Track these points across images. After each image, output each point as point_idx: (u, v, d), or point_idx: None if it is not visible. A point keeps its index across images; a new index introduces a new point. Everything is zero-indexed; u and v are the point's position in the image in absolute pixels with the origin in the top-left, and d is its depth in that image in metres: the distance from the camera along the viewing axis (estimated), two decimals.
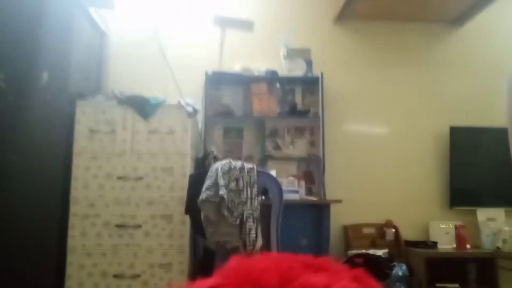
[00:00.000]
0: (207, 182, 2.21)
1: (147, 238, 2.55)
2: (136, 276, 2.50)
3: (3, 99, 2.63)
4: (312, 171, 3.37)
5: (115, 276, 2.50)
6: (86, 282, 2.49)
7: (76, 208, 2.55)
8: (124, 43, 3.39)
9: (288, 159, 3.36)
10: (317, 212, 3.05)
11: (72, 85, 2.73)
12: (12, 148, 2.58)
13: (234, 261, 0.91)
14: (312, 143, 3.42)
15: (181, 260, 2.53)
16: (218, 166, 2.24)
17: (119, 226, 2.55)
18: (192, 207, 2.35)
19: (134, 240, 2.55)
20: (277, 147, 3.40)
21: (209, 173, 2.25)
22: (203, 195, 2.17)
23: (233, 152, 3.31)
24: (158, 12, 3.40)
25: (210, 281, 0.87)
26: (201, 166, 2.83)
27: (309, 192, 3.24)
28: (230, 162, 2.26)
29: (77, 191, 2.57)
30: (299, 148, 3.42)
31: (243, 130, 3.42)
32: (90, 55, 3.14)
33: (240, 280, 0.82)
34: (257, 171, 2.28)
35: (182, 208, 2.53)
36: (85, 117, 2.65)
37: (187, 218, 2.54)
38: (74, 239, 2.53)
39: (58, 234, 2.54)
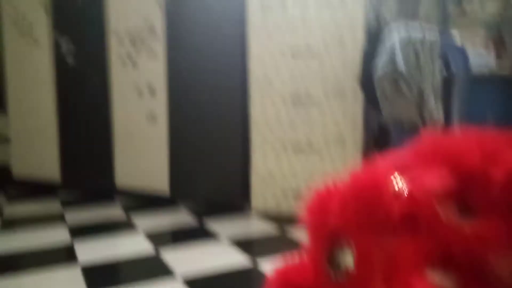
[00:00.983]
0: (384, 57, 2.10)
1: (321, 115, 2.64)
2: (312, 151, 2.67)
3: None
4: (504, 37, 2.89)
5: (294, 150, 2.70)
6: (269, 154, 2.77)
7: (255, 85, 2.75)
8: None
9: (474, 22, 2.93)
10: (506, 85, 2.69)
11: None
12: (191, 21, 2.83)
13: (427, 138, 0.88)
14: (508, 2, 2.87)
15: (355, 136, 2.58)
16: (396, 39, 2.08)
17: (295, 101, 2.68)
18: (366, 82, 2.31)
19: (309, 117, 2.66)
20: (461, 7, 2.96)
21: (386, 46, 2.12)
22: (379, 71, 2.09)
23: (407, 13, 3.01)
24: None
25: (403, 156, 0.86)
26: (374, 39, 2.68)
27: (498, 62, 2.83)
28: (409, 34, 2.08)
29: (255, 68, 2.73)
30: (489, 8, 2.92)
31: None
32: None
33: (437, 158, 0.79)
34: (441, 43, 2.06)
35: (355, 85, 2.51)
36: None
37: (360, 95, 2.51)
38: (255, 111, 2.77)
39: (241, 106, 2.83)
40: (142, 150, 3.05)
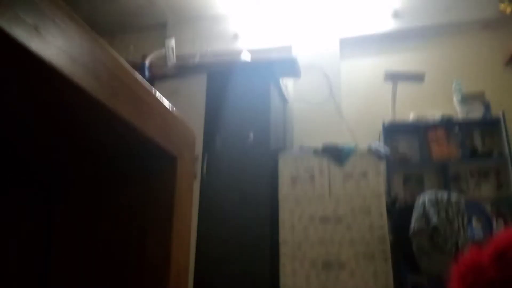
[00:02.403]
0: (415, 214, 2.34)
1: (352, 277, 2.70)
2: None
3: (219, 156, 3.19)
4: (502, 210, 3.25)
5: None
6: None
7: (285, 249, 2.85)
8: (300, 106, 3.85)
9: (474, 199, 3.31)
10: None
11: (272, 142, 3.19)
12: (228, 197, 3.07)
13: None
14: (501, 184, 3.34)
15: None
16: (425, 197, 2.37)
17: (325, 265, 2.76)
18: (399, 241, 2.48)
19: (339, 280, 2.71)
20: (461, 192, 3.38)
21: (416, 205, 2.39)
22: (414, 227, 2.30)
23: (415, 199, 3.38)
24: (331, 76, 3.84)
25: None
26: (391, 209, 2.96)
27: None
28: (436, 193, 2.38)
29: (285, 233, 2.89)
30: (484, 189, 3.37)
31: (423, 176, 3.51)
32: (278, 117, 3.64)
33: None
34: (465, 202, 2.36)
35: (383, 247, 2.66)
36: (286, 168, 3.04)
37: (389, 256, 2.64)
38: (286, 278, 2.79)
39: (270, 273, 2.84)
40: None
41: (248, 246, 2.91)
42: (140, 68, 3.55)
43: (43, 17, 0.42)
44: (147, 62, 3.64)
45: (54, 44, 0.43)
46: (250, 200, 3.02)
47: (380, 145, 2.96)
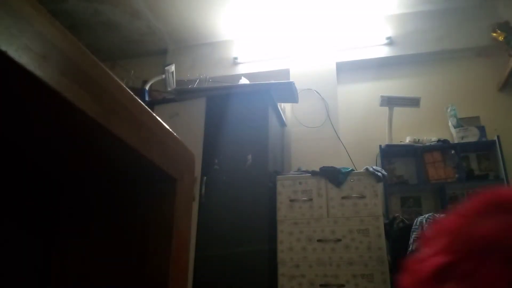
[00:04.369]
0: (414, 234, 2.35)
1: None
2: None
3: (218, 179, 3.21)
4: None
5: None
6: None
7: (283, 269, 2.84)
8: (298, 130, 3.89)
9: None
10: None
11: (270, 165, 3.21)
12: (226, 219, 3.07)
13: None
14: None
15: None
16: (422, 218, 2.38)
17: (323, 286, 2.74)
18: (398, 264, 2.47)
19: None
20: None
21: (414, 226, 2.40)
22: (413, 246, 2.30)
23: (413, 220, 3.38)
24: (328, 100, 3.89)
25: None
26: (389, 230, 2.96)
27: None
28: (433, 214, 2.39)
29: (283, 254, 2.88)
30: None
31: (420, 198, 3.52)
32: (276, 140, 3.68)
33: None
34: None
35: (381, 267, 2.66)
36: (284, 189, 3.06)
37: (388, 277, 2.64)
38: None
39: None
40: None
41: (247, 267, 2.90)
42: (140, 93, 3.60)
43: (50, 46, 0.45)
44: (147, 87, 3.70)
45: (60, 70, 0.45)
46: (248, 221, 3.02)
47: (377, 167, 2.98)
